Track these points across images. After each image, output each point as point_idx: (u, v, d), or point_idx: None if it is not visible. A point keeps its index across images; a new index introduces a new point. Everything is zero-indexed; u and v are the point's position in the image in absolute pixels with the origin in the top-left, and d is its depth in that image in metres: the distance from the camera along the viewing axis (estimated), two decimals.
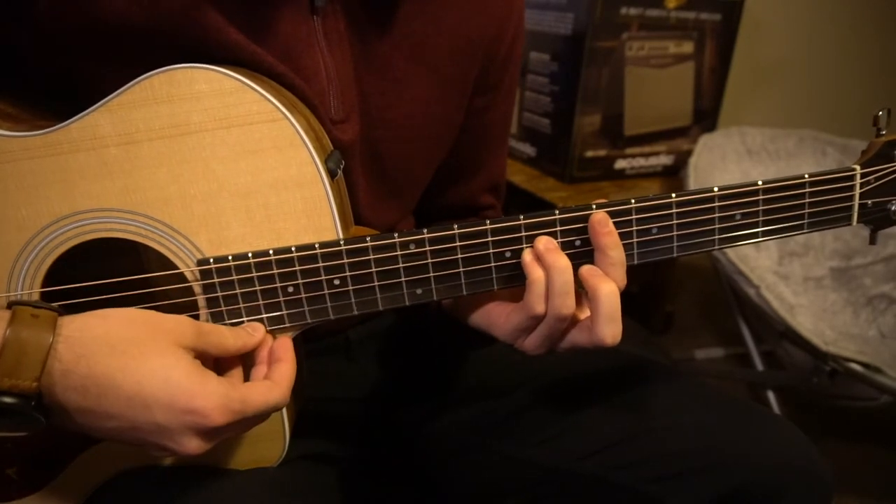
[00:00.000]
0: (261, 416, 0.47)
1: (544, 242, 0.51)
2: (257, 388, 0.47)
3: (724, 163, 1.44)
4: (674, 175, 1.45)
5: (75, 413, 0.43)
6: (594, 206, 0.51)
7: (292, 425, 0.55)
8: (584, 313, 0.52)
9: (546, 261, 0.50)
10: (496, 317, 0.57)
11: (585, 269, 0.51)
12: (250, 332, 0.50)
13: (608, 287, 0.49)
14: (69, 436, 0.53)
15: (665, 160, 1.44)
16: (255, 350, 0.51)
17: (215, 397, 0.43)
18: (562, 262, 0.50)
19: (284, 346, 0.50)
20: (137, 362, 0.43)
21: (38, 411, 0.41)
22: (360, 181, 0.60)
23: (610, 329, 0.50)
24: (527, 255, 0.51)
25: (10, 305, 0.42)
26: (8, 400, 0.40)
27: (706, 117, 1.45)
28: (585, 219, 0.51)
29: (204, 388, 0.43)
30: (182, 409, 0.42)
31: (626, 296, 0.51)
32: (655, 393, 0.64)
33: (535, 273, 0.51)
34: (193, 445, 0.43)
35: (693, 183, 1.32)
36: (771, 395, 1.41)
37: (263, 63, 0.52)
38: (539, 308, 0.51)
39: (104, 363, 0.42)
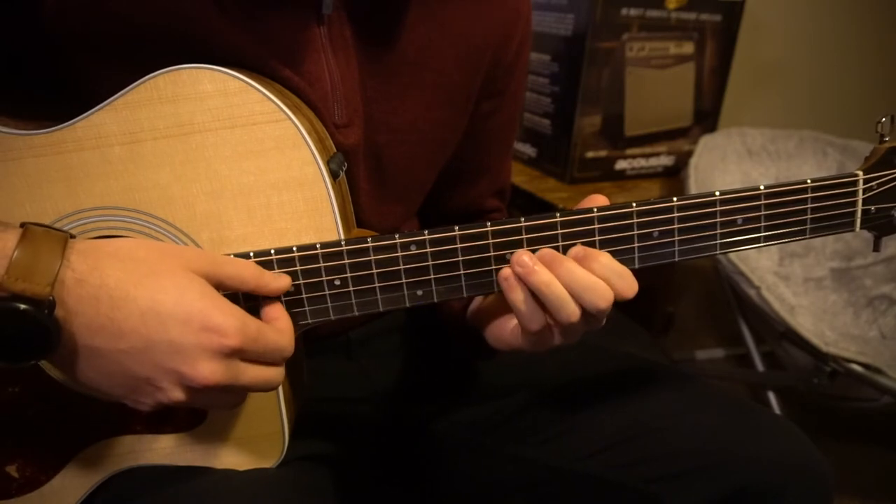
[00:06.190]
0: (270, 357, 0.46)
1: (522, 264, 0.49)
2: (268, 326, 0.46)
3: (724, 163, 1.44)
4: (674, 176, 1.45)
5: (87, 332, 0.41)
6: (595, 209, 0.51)
7: (292, 426, 0.55)
8: None
9: (530, 282, 0.49)
10: (511, 337, 0.56)
11: (572, 252, 0.51)
12: (274, 275, 0.49)
13: (603, 258, 0.49)
14: (68, 431, 0.53)
15: (665, 161, 1.44)
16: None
17: (232, 318, 0.43)
18: (544, 278, 0.49)
19: (277, 308, 0.49)
20: (150, 279, 0.42)
21: (51, 323, 0.40)
22: (363, 185, 0.60)
23: (625, 283, 0.49)
24: (504, 273, 0.50)
25: (21, 226, 0.42)
26: (22, 306, 0.39)
27: (707, 118, 1.45)
28: (587, 221, 0.51)
29: (220, 307, 0.43)
30: (199, 325, 0.42)
31: None
32: (657, 393, 0.64)
33: (514, 295, 0.50)
34: (207, 371, 0.42)
35: (694, 184, 1.32)
36: (771, 396, 1.41)
37: (266, 67, 0.52)
38: (534, 325, 0.51)
39: (117, 276, 0.42)
